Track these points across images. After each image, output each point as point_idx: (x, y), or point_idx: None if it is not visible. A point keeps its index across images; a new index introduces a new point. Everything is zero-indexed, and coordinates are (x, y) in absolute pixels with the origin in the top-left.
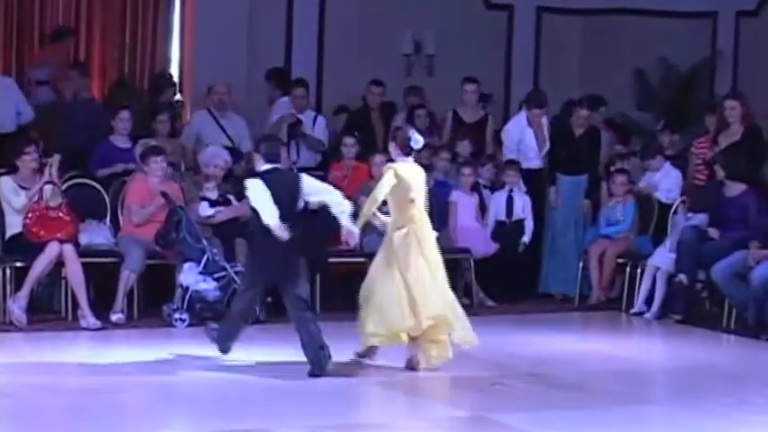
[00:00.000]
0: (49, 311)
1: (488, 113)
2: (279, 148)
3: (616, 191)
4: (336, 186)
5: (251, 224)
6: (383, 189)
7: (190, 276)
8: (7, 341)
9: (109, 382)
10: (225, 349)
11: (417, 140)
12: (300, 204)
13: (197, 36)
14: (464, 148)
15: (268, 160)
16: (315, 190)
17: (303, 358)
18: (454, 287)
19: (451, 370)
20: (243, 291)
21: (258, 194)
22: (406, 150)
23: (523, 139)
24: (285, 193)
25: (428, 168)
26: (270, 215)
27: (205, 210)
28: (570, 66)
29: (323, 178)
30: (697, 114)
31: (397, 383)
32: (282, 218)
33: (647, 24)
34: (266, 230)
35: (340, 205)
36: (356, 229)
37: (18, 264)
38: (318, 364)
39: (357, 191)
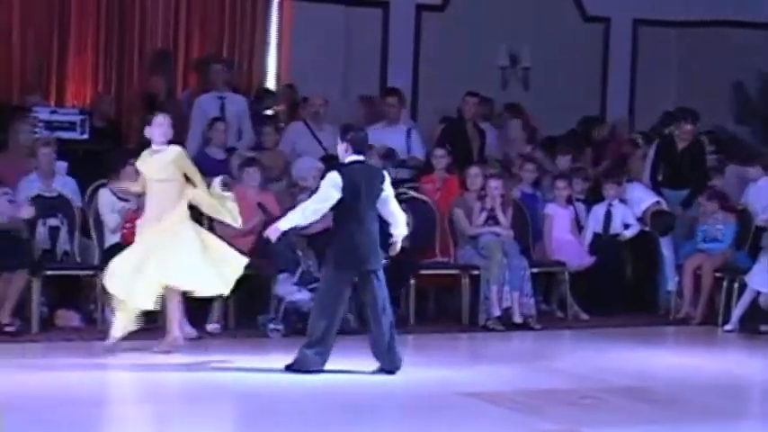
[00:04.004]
0: (146, 320)
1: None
2: (365, 138)
3: (710, 207)
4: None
5: (335, 214)
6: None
7: (285, 287)
8: (105, 349)
9: (204, 392)
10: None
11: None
12: (379, 199)
13: (294, 50)
14: (564, 162)
15: (355, 150)
16: (391, 200)
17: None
18: (549, 299)
19: (542, 383)
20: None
21: (323, 194)
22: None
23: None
24: (363, 184)
25: (516, 179)
26: (294, 219)
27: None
28: (667, 78)
29: (416, 190)
30: None
31: (483, 395)
32: (357, 208)
33: (745, 36)
34: (355, 219)
35: (401, 229)
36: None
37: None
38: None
39: (450, 203)
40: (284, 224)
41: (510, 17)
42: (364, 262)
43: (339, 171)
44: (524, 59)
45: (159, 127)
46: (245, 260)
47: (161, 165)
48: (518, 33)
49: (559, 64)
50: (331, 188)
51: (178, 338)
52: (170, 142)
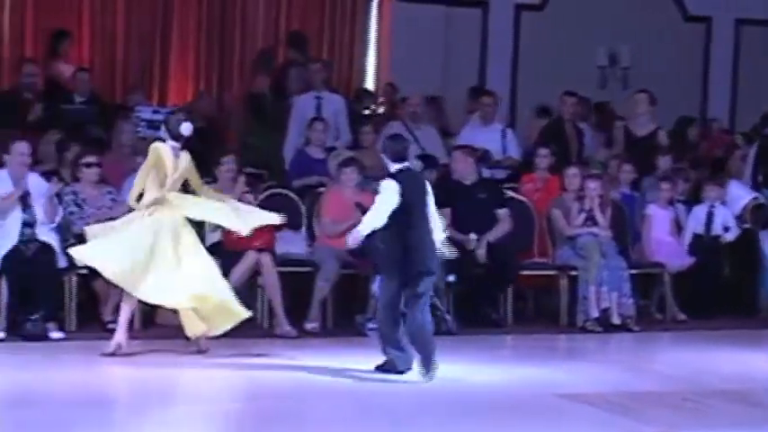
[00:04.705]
0: (245, 319)
1: (660, 126)
2: (405, 146)
3: None
4: (528, 199)
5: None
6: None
7: None
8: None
9: (300, 390)
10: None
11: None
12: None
13: (393, 50)
14: (664, 162)
15: (395, 159)
16: (432, 205)
17: (489, 371)
18: (650, 299)
19: (641, 384)
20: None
21: (387, 198)
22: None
23: None
24: (417, 192)
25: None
26: (372, 223)
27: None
28: None
29: (515, 190)
30: None
31: (581, 396)
32: (414, 212)
33: None
34: (413, 222)
35: (439, 234)
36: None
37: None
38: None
39: (549, 204)
40: (364, 229)
41: (609, 17)
42: (424, 263)
43: (394, 178)
44: (623, 59)
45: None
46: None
47: None
48: (617, 33)
49: (659, 64)
50: (393, 194)
51: (121, 343)
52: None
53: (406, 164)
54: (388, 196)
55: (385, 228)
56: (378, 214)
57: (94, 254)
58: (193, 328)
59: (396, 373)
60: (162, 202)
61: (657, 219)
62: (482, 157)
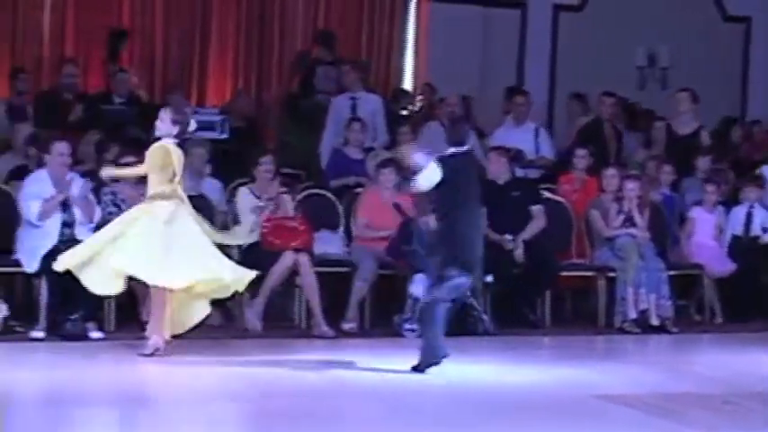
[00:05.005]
0: (283, 319)
1: (702, 125)
2: (464, 130)
3: None
4: (566, 200)
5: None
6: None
7: (420, 288)
8: (243, 348)
9: (337, 389)
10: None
11: None
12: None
13: (431, 49)
14: (704, 163)
15: (453, 144)
16: None
17: (526, 371)
18: (688, 300)
19: (678, 386)
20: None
21: (430, 174)
22: None
23: None
24: (472, 175)
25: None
26: (428, 179)
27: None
28: None
29: (552, 191)
30: None
31: (619, 397)
32: (459, 203)
33: None
34: (460, 211)
35: None
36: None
37: (254, 272)
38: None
39: (587, 205)
40: (424, 181)
41: (648, 17)
42: (469, 259)
43: (441, 160)
44: (662, 60)
45: None
46: None
47: None
48: (656, 33)
49: (698, 64)
50: (433, 173)
51: (158, 346)
52: (158, 139)
53: (463, 148)
54: (429, 172)
55: (440, 212)
56: (428, 174)
57: (169, 273)
58: (176, 326)
59: (427, 366)
60: (172, 196)
61: (701, 222)
62: (515, 157)
